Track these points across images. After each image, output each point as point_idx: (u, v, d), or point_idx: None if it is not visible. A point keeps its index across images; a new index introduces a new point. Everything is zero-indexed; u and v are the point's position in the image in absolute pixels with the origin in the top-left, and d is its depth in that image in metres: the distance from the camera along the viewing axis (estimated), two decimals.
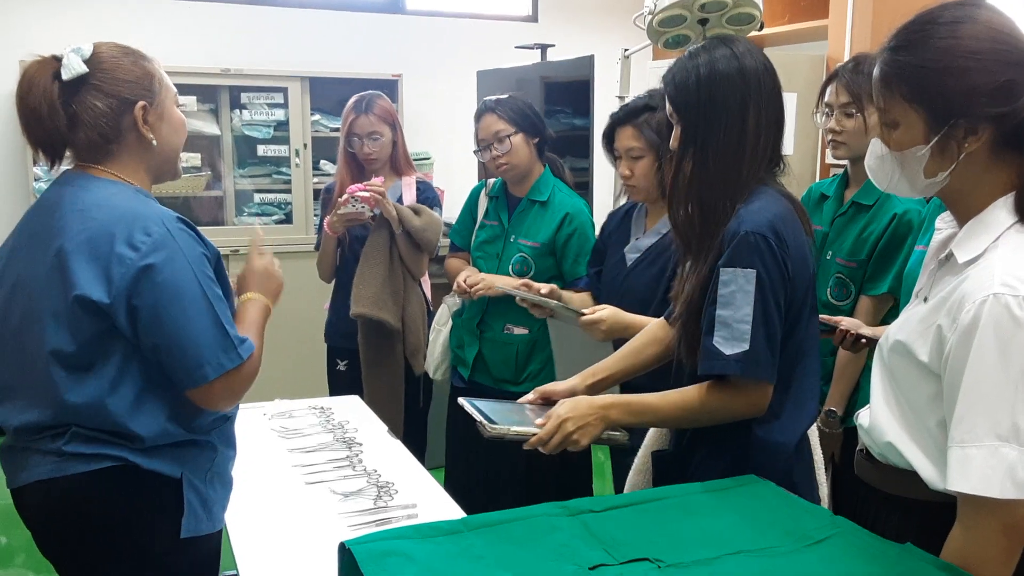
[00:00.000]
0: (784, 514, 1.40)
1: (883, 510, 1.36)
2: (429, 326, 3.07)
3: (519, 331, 2.73)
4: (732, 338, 1.54)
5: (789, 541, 1.31)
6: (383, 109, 3.01)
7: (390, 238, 2.97)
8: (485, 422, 1.56)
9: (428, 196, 3.07)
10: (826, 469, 2.40)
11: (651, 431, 1.91)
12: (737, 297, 1.54)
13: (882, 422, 1.33)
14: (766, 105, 1.63)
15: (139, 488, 1.55)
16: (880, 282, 2.23)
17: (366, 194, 2.87)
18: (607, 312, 2.17)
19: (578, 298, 2.49)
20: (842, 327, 1.90)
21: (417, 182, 3.11)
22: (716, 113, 1.61)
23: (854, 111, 2.20)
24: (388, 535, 1.32)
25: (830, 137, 2.28)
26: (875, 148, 1.34)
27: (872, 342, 1.95)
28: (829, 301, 2.33)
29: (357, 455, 2.23)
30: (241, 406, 2.73)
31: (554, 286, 2.41)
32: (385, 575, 1.20)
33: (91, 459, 1.53)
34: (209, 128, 4.58)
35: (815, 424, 2.33)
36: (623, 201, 2.52)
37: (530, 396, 1.76)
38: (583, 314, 2.19)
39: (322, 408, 2.62)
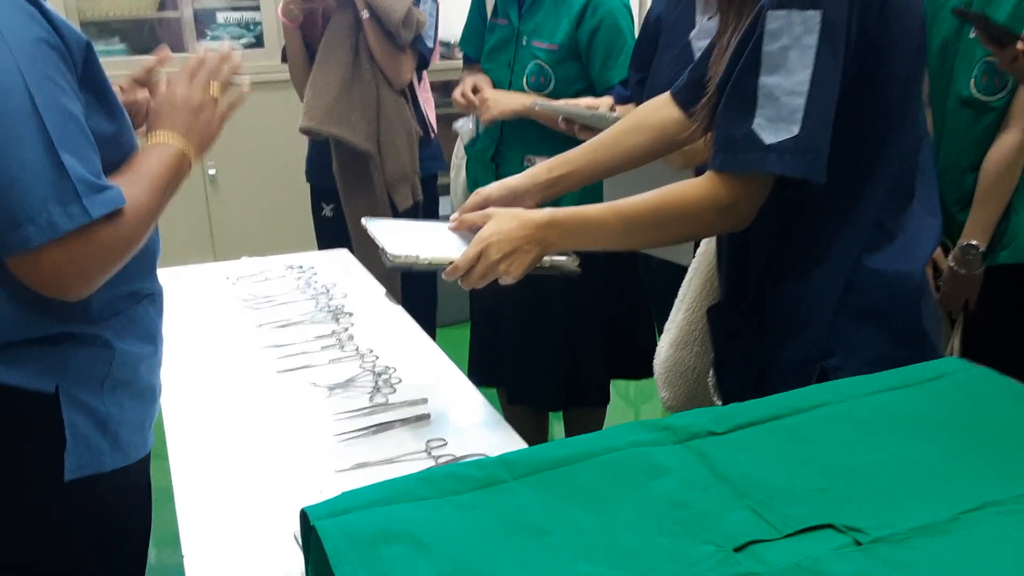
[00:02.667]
0: None
1: None
2: (431, 156, 2.47)
3: (541, 161, 2.13)
4: (778, 119, 1.03)
5: None
6: None
7: (354, 27, 2.32)
8: (386, 249, 1.16)
9: None
10: (953, 324, 1.87)
11: (690, 283, 1.39)
12: (790, 56, 1.03)
13: None
14: None
15: None
16: None
17: None
18: None
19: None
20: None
21: None
22: None
23: None
24: (378, 495, 0.78)
25: None
26: None
27: None
28: (973, 96, 1.71)
29: (346, 329, 1.69)
30: (198, 267, 2.20)
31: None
32: None
33: None
34: None
35: (949, 263, 1.79)
36: None
37: (456, 215, 1.26)
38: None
39: (301, 266, 2.07)
